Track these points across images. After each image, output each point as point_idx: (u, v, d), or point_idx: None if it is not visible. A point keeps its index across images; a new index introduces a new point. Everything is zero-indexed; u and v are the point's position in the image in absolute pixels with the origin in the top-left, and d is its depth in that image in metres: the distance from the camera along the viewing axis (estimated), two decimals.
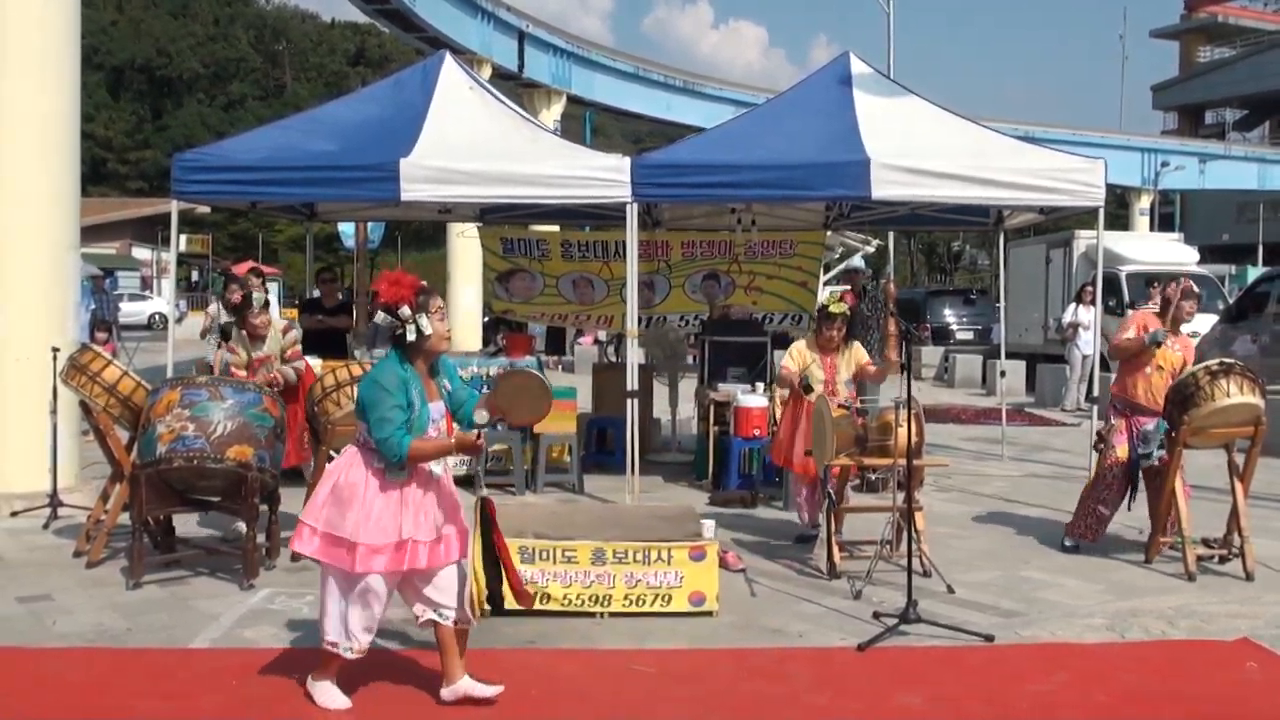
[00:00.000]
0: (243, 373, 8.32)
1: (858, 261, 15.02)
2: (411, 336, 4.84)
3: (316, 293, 13.40)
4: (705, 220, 13.89)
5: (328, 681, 5.09)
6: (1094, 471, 8.36)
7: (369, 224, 25.71)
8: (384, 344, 4.95)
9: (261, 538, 7.45)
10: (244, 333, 8.48)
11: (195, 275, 64.31)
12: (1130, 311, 8.95)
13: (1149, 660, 5.95)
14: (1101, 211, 10.49)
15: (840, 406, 7.84)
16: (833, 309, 8.25)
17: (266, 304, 8.81)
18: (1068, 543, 8.38)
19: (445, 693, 5.07)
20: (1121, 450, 8.14)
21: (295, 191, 10.38)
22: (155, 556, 7.53)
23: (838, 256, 21.61)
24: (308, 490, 7.71)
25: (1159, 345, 8.04)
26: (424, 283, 4.97)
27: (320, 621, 5.05)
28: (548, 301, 13.78)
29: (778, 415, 10.46)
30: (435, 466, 4.95)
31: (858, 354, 8.36)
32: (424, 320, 4.85)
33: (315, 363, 9.63)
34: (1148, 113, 75.77)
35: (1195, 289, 8.29)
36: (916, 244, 67.66)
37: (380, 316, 4.85)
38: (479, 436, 4.92)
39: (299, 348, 8.78)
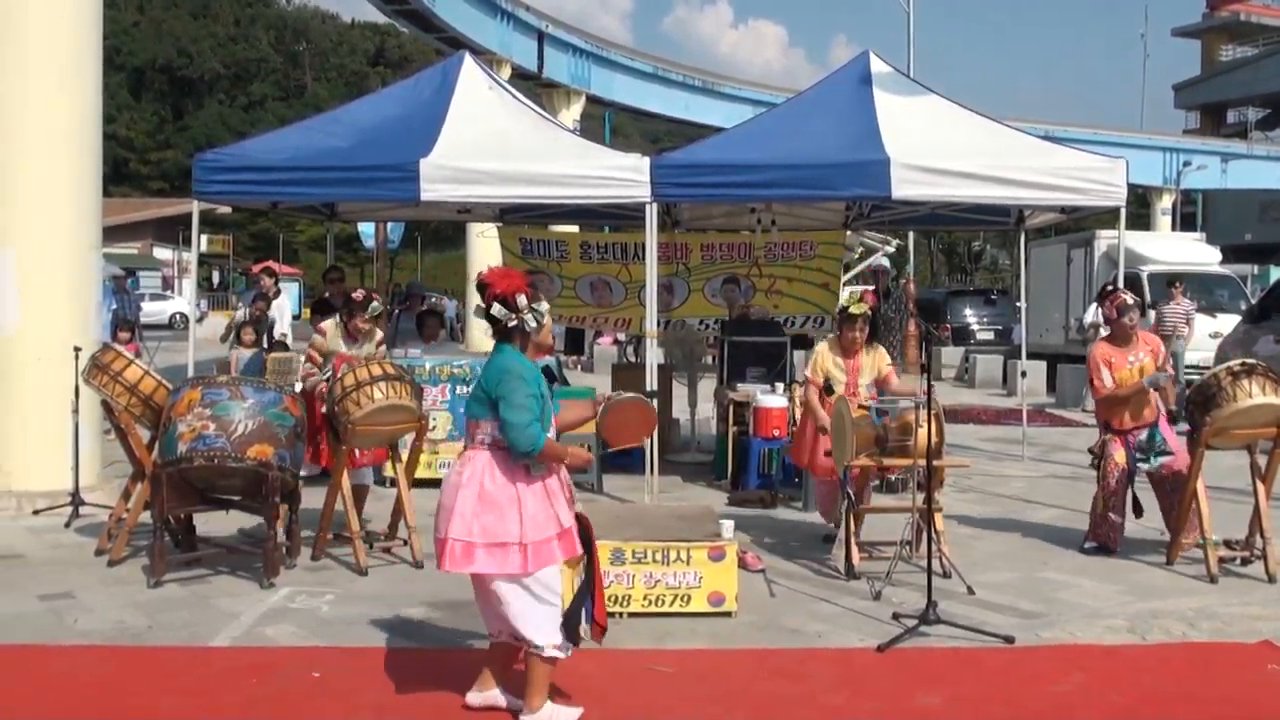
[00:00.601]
0: (318, 357, 8.43)
1: (883, 261, 14.92)
2: (532, 324, 4.77)
3: (327, 293, 13.44)
4: (725, 220, 13.89)
5: (559, 706, 4.88)
6: (1099, 483, 8.28)
7: (389, 224, 25.81)
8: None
9: (282, 536, 7.48)
10: (345, 327, 8.54)
11: (216, 275, 64.54)
12: (1097, 339, 8.91)
13: (1170, 662, 5.92)
14: (1123, 211, 10.47)
15: (860, 407, 7.82)
16: (853, 310, 8.20)
17: (381, 314, 8.75)
18: (1088, 545, 8.34)
19: (472, 696, 5.03)
20: (1120, 456, 8.11)
21: (316, 191, 10.43)
22: (176, 555, 7.58)
23: (857, 256, 21.56)
24: (329, 490, 7.76)
25: (1159, 387, 8.02)
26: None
27: (525, 636, 4.76)
28: (565, 303, 13.79)
29: (797, 416, 10.46)
30: None
31: (880, 359, 8.29)
32: (543, 307, 4.82)
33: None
34: (1169, 112, 75.22)
35: (1130, 300, 8.30)
36: (937, 244, 67.41)
37: (496, 309, 4.77)
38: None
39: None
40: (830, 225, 13.77)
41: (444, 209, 12.57)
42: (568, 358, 23.64)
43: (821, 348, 8.42)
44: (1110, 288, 8.55)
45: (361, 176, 9.70)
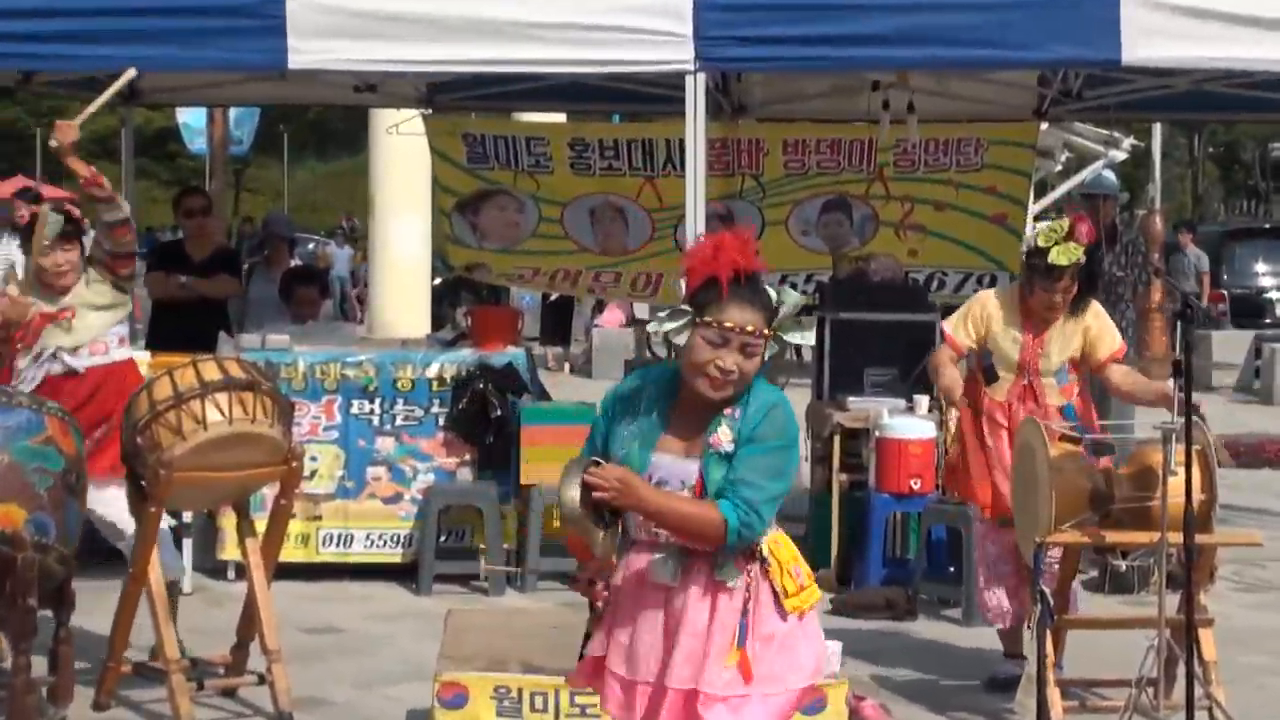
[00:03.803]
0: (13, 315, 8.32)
1: (1106, 178, 14.74)
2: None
3: (179, 233, 13.46)
4: (825, 103, 13.89)
5: None
6: None
7: (232, 112, 25.92)
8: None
9: (42, 667, 7.48)
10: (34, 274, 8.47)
11: None
12: None
13: None
14: None
15: (1063, 438, 7.76)
16: (1056, 258, 8.08)
17: (72, 231, 8.60)
18: None
19: None
20: None
21: (104, 54, 10.42)
22: None
23: (1060, 169, 21.50)
24: (128, 584, 7.74)
25: None
26: None
27: None
28: (545, 248, 13.79)
29: (948, 444, 10.43)
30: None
31: (1091, 326, 8.19)
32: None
33: (144, 357, 9.65)
34: None
35: None
36: (1203, 148, 67.35)
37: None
38: None
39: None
40: (1012, 113, 13.75)
41: (329, 85, 12.60)
42: (545, 350, 23.71)
43: (986, 296, 8.36)
44: None
45: (183, 27, 9.72)
